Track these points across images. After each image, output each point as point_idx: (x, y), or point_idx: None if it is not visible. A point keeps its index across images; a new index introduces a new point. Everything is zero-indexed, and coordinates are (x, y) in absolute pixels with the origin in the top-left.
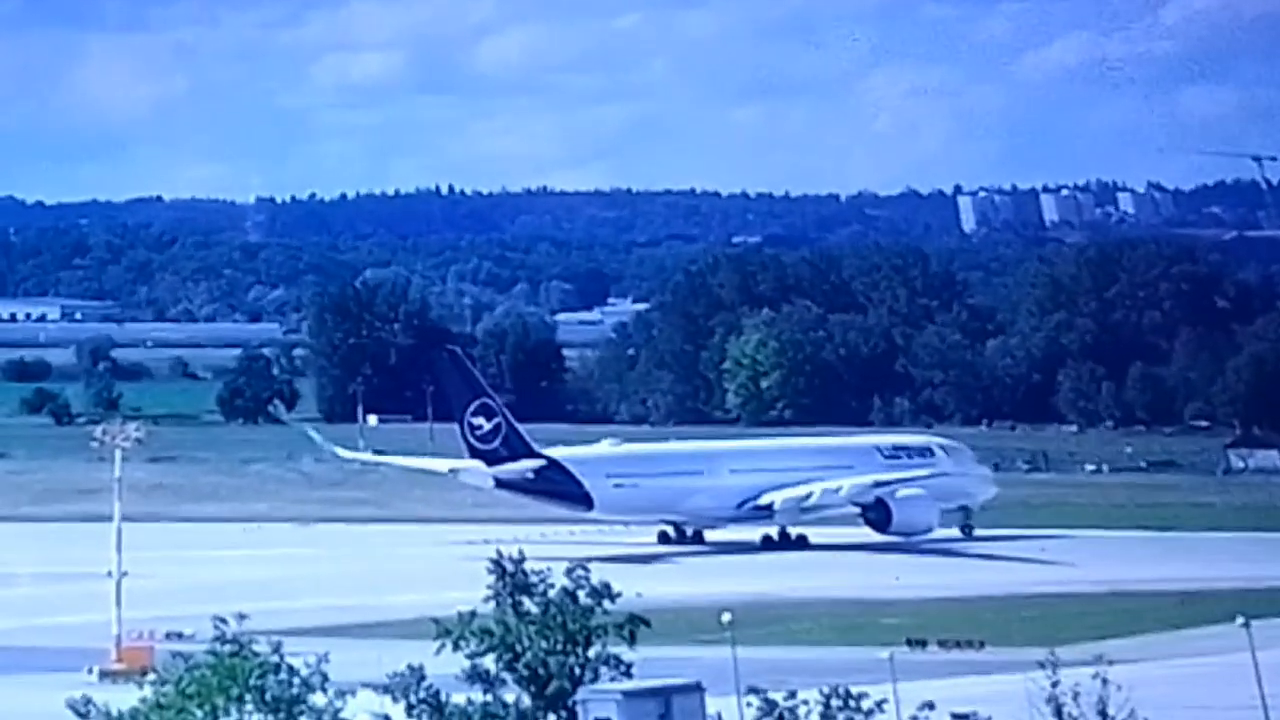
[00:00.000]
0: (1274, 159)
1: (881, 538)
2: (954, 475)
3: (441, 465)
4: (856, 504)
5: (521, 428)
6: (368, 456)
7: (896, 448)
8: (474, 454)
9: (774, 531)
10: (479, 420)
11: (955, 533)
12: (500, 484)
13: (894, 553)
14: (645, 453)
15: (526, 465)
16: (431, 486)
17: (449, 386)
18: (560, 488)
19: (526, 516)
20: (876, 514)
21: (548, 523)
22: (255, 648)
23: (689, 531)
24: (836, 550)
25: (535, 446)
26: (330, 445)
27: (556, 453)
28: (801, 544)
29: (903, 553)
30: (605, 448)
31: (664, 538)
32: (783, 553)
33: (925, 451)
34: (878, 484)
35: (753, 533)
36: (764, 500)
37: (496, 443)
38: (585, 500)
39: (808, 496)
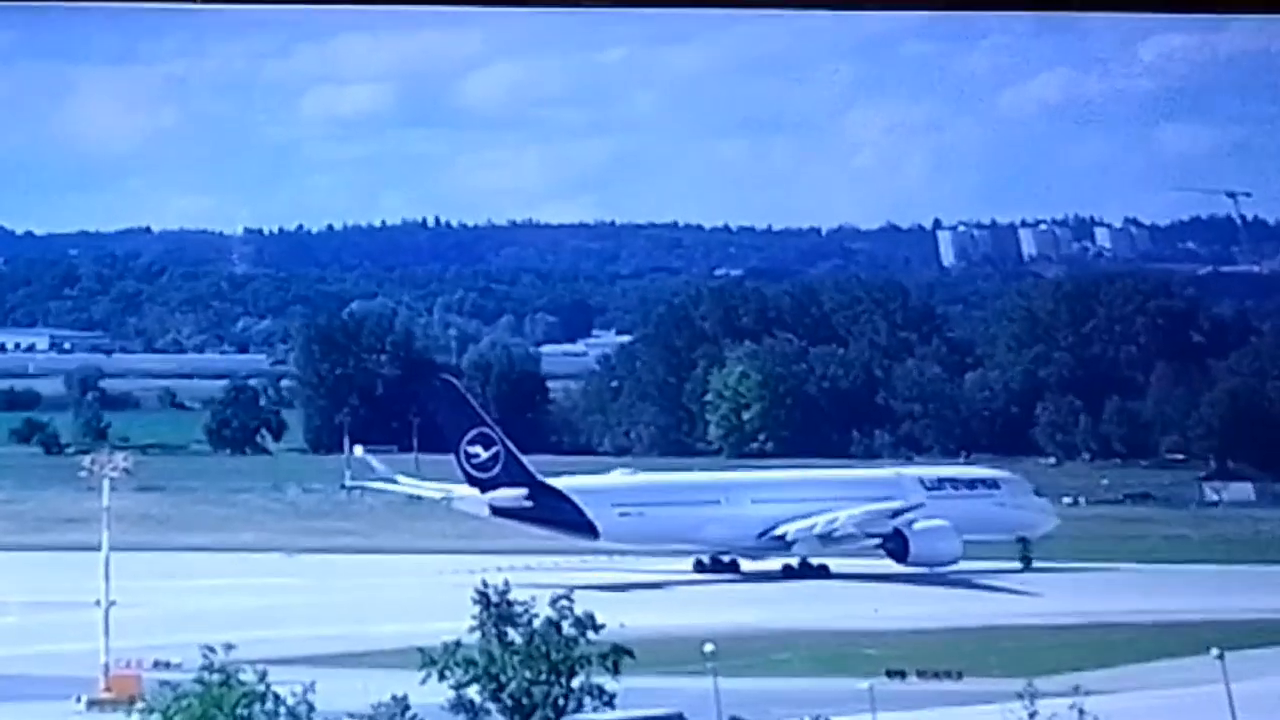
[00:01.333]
0: (1248, 195)
1: (902, 569)
2: (1008, 507)
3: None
4: (873, 534)
5: (524, 458)
6: (429, 486)
7: (942, 479)
8: (472, 483)
9: (794, 561)
10: (476, 449)
11: (1012, 564)
12: (497, 511)
13: (903, 583)
14: (657, 483)
15: (513, 494)
16: (418, 517)
17: (444, 416)
18: (561, 516)
19: (514, 547)
20: (894, 545)
21: (539, 553)
22: (242, 677)
23: (725, 560)
24: (854, 580)
25: (538, 476)
26: (392, 472)
27: (561, 482)
28: (822, 573)
29: (907, 583)
30: (617, 477)
31: (699, 566)
32: (801, 582)
33: (976, 484)
34: (869, 515)
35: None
36: (778, 531)
37: (496, 471)
38: (589, 529)
39: (812, 528)
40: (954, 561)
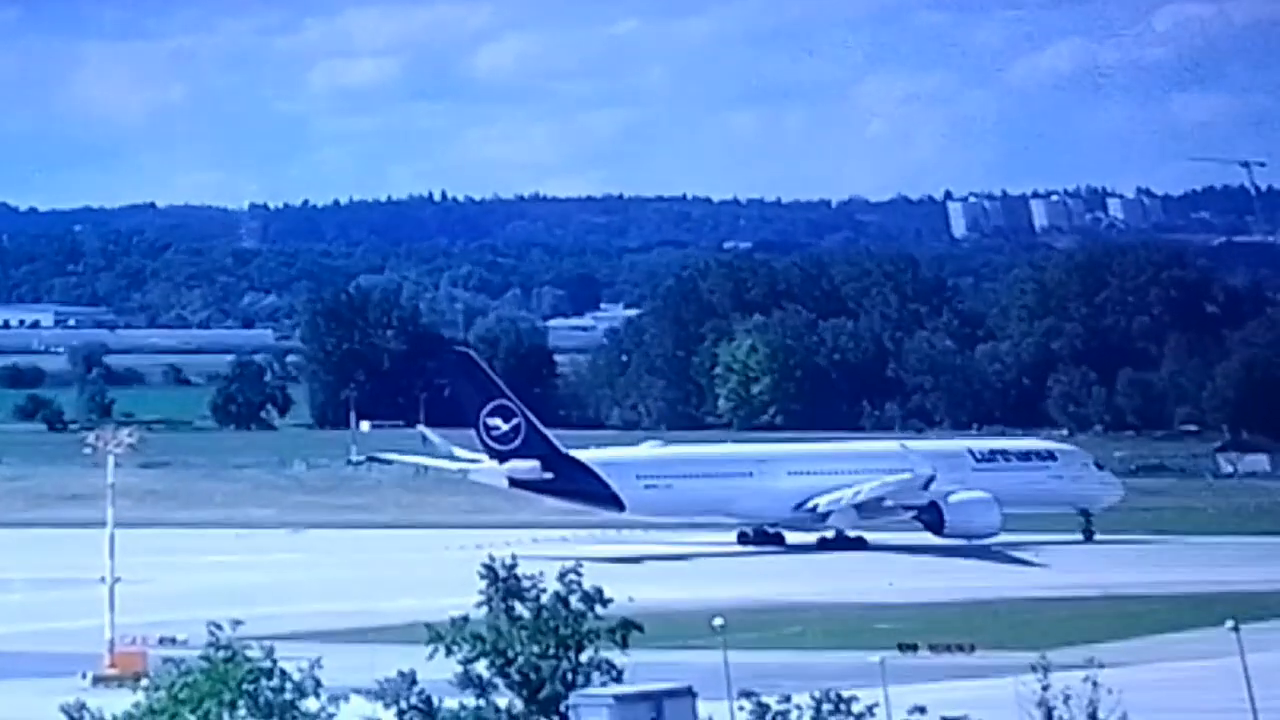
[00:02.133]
0: (1262, 164)
1: (939, 540)
2: (1066, 479)
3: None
4: (909, 506)
5: (544, 428)
6: (479, 459)
7: (994, 451)
8: (492, 455)
9: (830, 534)
10: (495, 421)
11: (1075, 535)
12: (515, 483)
13: (925, 554)
14: (686, 455)
15: (529, 465)
16: (425, 491)
17: (462, 389)
18: (584, 488)
19: (524, 521)
20: (930, 517)
21: (551, 527)
22: (248, 653)
23: (770, 532)
24: (874, 552)
25: (560, 447)
26: (449, 446)
27: (586, 454)
28: (860, 545)
29: (926, 554)
30: (646, 450)
31: (743, 538)
32: (815, 555)
33: (1031, 456)
34: (884, 488)
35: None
36: (811, 504)
37: (516, 443)
38: (614, 501)
39: (838, 501)
40: (993, 534)
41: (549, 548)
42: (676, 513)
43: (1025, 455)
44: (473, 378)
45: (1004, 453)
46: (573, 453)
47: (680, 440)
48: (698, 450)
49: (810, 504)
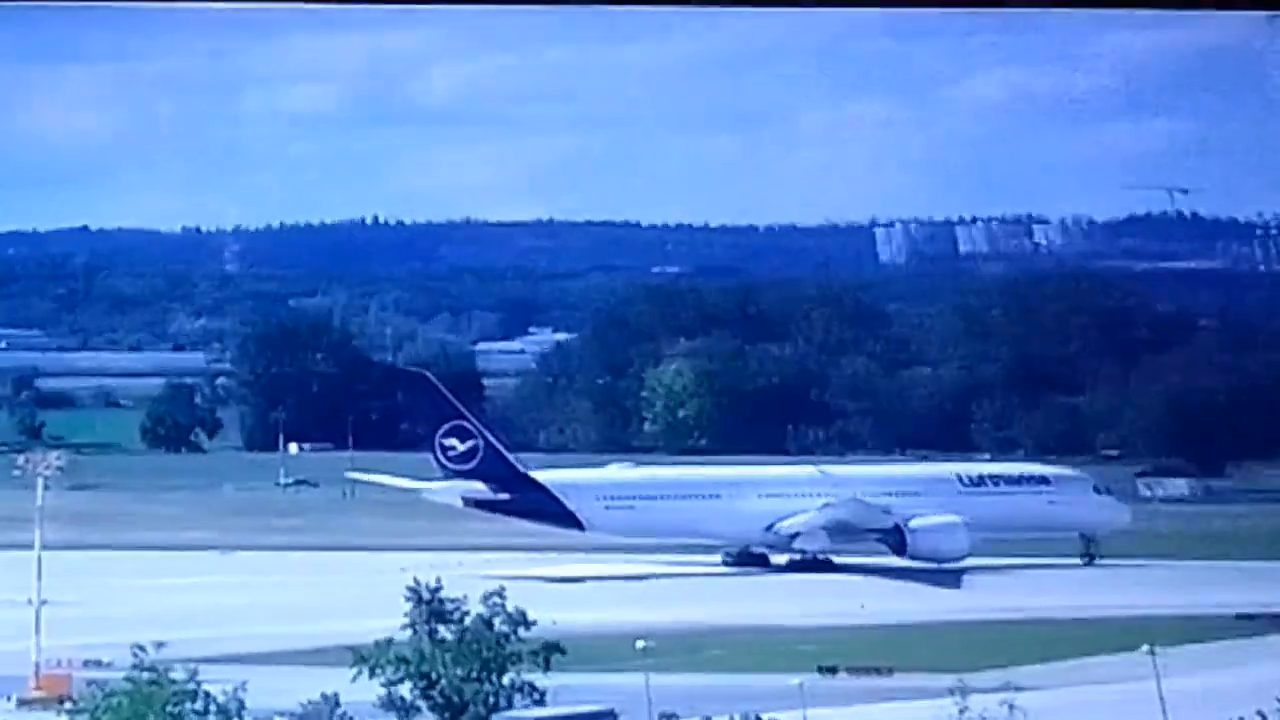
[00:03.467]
0: (1185, 192)
1: (904, 563)
2: (1060, 504)
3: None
4: (872, 530)
5: (504, 449)
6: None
7: (984, 476)
8: (448, 475)
9: (798, 556)
10: (452, 441)
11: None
12: (470, 503)
13: (885, 576)
14: (653, 477)
15: (482, 486)
16: (353, 514)
17: (418, 410)
18: (541, 508)
19: (453, 544)
20: (894, 540)
21: (478, 549)
22: (173, 675)
23: (755, 553)
24: (853, 574)
25: (520, 467)
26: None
27: (547, 475)
28: (827, 566)
29: (891, 576)
30: (613, 471)
31: (727, 559)
32: (741, 578)
33: (1024, 480)
34: (829, 508)
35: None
36: (777, 527)
37: (474, 463)
38: (572, 521)
39: (793, 526)
40: (960, 558)
41: (491, 568)
42: (639, 534)
43: (1017, 480)
44: (429, 398)
45: (994, 477)
46: (535, 473)
47: (659, 464)
48: (666, 472)
49: (777, 527)
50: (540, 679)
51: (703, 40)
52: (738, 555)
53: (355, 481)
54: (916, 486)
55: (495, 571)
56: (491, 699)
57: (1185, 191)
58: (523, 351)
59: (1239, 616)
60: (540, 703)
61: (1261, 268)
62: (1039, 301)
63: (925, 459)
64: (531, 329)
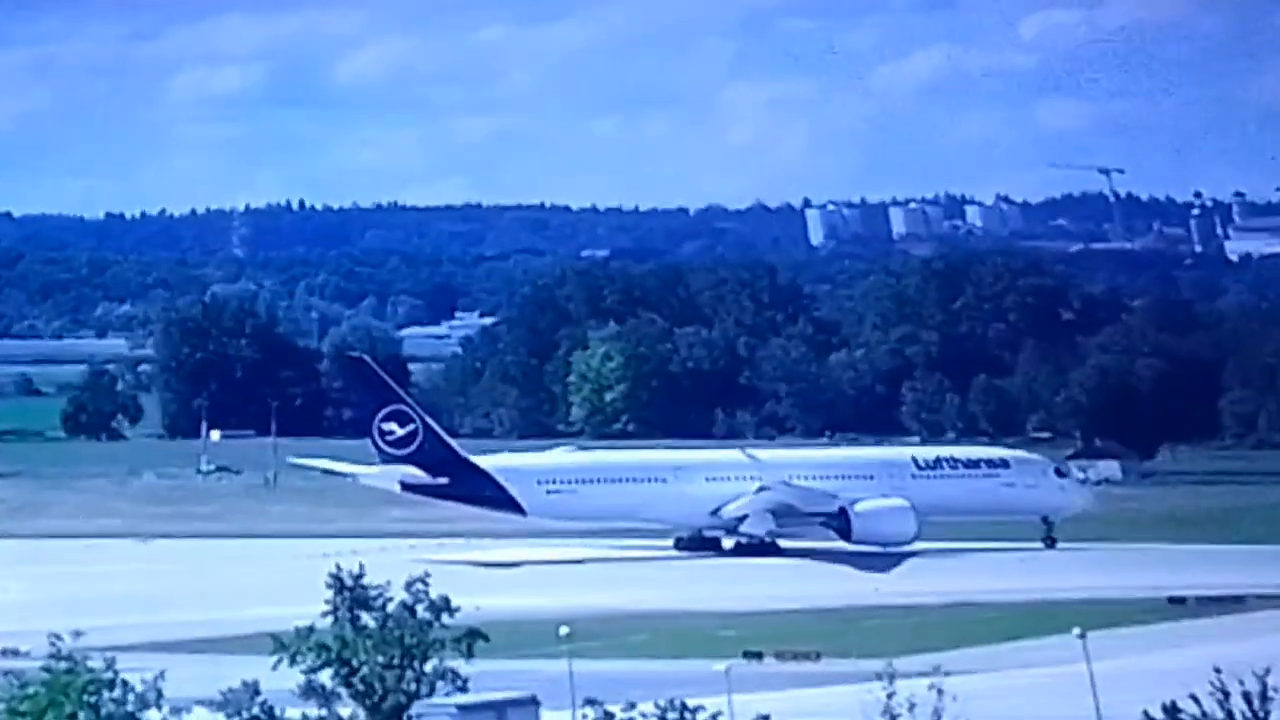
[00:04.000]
0: (1121, 172)
1: (852, 547)
2: (1019, 487)
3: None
4: (817, 513)
5: (444, 433)
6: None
7: (940, 459)
8: (386, 460)
9: (744, 540)
10: (390, 426)
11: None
12: (408, 488)
13: (825, 560)
14: (596, 462)
15: (419, 471)
16: (274, 501)
17: (357, 395)
18: (480, 493)
19: (378, 530)
20: (839, 524)
21: (400, 536)
22: (90, 664)
23: (707, 537)
24: (800, 558)
25: (460, 451)
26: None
27: (489, 460)
28: (773, 550)
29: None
30: (558, 455)
31: (679, 543)
32: (752, 558)
33: (980, 464)
34: (763, 492)
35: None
36: (723, 511)
37: (412, 448)
38: (513, 506)
39: (736, 510)
40: (906, 541)
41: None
42: (582, 518)
43: (974, 463)
44: (368, 383)
45: (950, 460)
46: (476, 458)
47: (596, 446)
48: (610, 456)
49: (723, 512)
50: (463, 666)
51: (633, 21)
52: (689, 540)
53: (278, 469)
54: (871, 470)
55: (422, 556)
56: (413, 686)
57: (1122, 171)
58: (449, 336)
59: (1171, 600)
60: (462, 690)
61: (1197, 248)
62: (969, 282)
63: (854, 442)
64: (458, 313)
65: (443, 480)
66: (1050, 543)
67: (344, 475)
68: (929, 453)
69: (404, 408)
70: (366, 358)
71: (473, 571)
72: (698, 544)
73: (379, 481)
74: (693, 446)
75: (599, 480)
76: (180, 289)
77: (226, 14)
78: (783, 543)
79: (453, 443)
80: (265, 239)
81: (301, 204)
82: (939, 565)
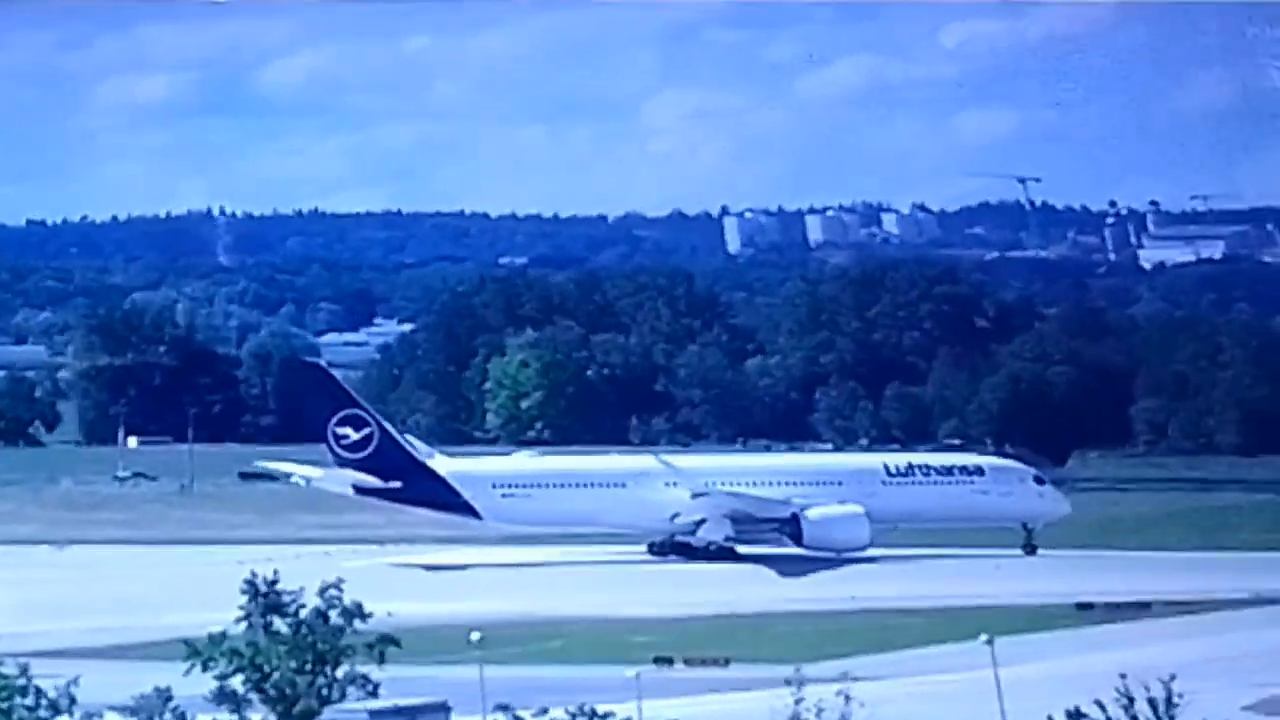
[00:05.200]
0: (1038, 180)
1: (803, 551)
2: (993, 494)
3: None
4: (770, 520)
5: (400, 437)
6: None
7: (913, 466)
8: (342, 464)
9: (701, 545)
10: (345, 430)
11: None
12: (361, 491)
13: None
14: (554, 468)
15: (370, 477)
16: (191, 508)
17: (311, 399)
18: (434, 497)
19: (291, 537)
20: (792, 530)
21: (318, 543)
22: (2, 670)
23: (680, 542)
24: (754, 563)
25: (417, 455)
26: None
27: (445, 464)
28: (730, 555)
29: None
30: (519, 459)
31: (652, 548)
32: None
33: (954, 470)
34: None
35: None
36: (680, 519)
37: (368, 452)
38: (467, 510)
39: (695, 515)
40: (859, 548)
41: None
42: (537, 523)
43: (947, 470)
44: (323, 388)
45: (923, 467)
46: (433, 461)
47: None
48: (568, 462)
49: (680, 519)
50: (375, 671)
51: (560, 32)
52: (661, 545)
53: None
54: (840, 476)
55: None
56: (324, 691)
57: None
58: (367, 343)
59: (1079, 606)
60: (373, 695)
61: (1111, 256)
62: (884, 290)
63: (767, 449)
64: (376, 320)
65: (396, 484)
66: (1031, 549)
67: (295, 479)
68: (901, 459)
69: (359, 412)
70: (321, 363)
71: (385, 577)
72: (670, 549)
73: (334, 485)
74: (606, 453)
75: (555, 485)
76: (101, 296)
77: (154, 23)
78: (740, 549)
79: (409, 447)
80: (186, 246)
81: (223, 211)
82: (857, 572)
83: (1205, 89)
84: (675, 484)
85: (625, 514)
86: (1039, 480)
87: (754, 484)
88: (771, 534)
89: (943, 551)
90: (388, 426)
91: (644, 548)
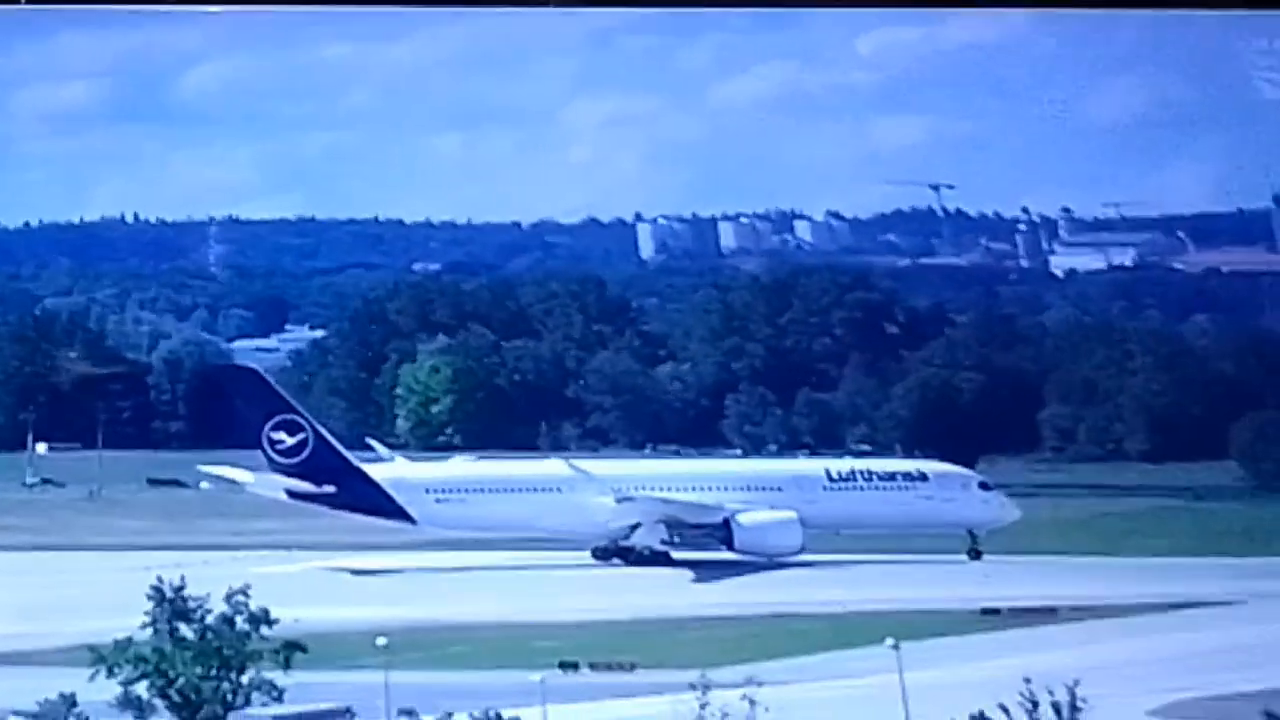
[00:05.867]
0: (951, 187)
1: (735, 556)
2: (937, 500)
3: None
4: (702, 525)
5: (336, 442)
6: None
7: (855, 472)
8: (276, 469)
9: (634, 549)
10: (280, 435)
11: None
12: (295, 496)
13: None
14: (488, 472)
15: (304, 483)
16: (99, 514)
17: (245, 405)
18: (368, 502)
19: (200, 543)
20: (724, 535)
21: (224, 549)
22: None
23: (623, 546)
24: (677, 568)
25: (353, 460)
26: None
27: (380, 468)
28: (664, 560)
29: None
30: (455, 464)
31: (595, 552)
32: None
33: (897, 477)
34: (627, 502)
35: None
36: (613, 523)
37: (302, 457)
38: (402, 515)
39: (628, 520)
40: (791, 553)
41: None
42: (472, 528)
43: (890, 476)
44: (256, 393)
45: (865, 473)
46: (368, 466)
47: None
48: (508, 467)
49: (611, 522)
50: (280, 677)
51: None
52: (604, 550)
53: (102, 483)
54: (779, 482)
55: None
56: (229, 697)
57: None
58: (278, 349)
59: (984, 611)
60: (278, 700)
61: (1023, 262)
62: (796, 296)
63: (677, 454)
64: (288, 326)
65: (330, 489)
66: (975, 555)
67: (235, 483)
68: (843, 465)
69: (294, 417)
70: (257, 368)
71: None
72: (613, 553)
73: (267, 490)
74: (518, 458)
75: (490, 490)
76: (11, 303)
77: (72, 29)
78: (675, 554)
79: (346, 452)
80: (98, 252)
81: (136, 217)
82: (782, 578)
83: (1118, 97)
84: (615, 490)
85: (560, 519)
86: (984, 486)
87: (692, 489)
88: (705, 539)
89: (874, 558)
90: (323, 432)
91: (587, 553)
